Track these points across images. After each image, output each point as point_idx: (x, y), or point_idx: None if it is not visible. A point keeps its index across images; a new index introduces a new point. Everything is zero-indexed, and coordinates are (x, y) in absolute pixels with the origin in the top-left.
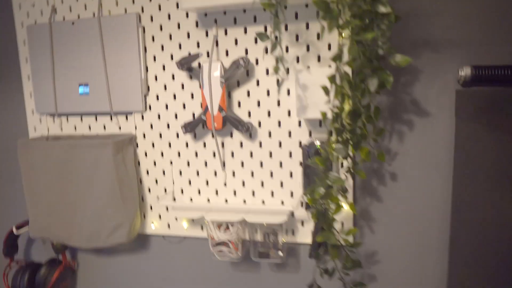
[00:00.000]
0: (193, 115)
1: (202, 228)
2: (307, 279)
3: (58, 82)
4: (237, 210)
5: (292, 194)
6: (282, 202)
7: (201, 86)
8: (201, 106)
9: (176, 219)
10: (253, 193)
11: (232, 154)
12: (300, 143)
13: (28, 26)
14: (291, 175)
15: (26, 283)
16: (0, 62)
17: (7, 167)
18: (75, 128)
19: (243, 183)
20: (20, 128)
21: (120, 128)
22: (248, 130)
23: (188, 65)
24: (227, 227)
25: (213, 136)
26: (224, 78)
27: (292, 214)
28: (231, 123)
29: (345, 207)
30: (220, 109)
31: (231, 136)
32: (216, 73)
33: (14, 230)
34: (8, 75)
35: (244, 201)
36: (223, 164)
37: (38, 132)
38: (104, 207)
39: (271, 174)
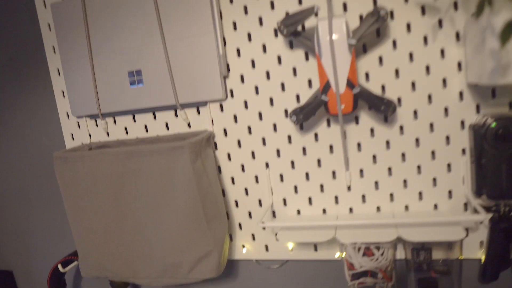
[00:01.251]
0: (297, 97)
1: (315, 248)
2: None
3: (99, 72)
4: (378, 224)
5: (450, 195)
6: (435, 206)
7: (317, 55)
8: (309, 85)
9: (277, 239)
10: (392, 197)
11: (359, 147)
12: (463, 123)
13: (53, 4)
14: (448, 168)
15: None
16: (20, 55)
17: (43, 188)
18: (126, 131)
19: (376, 185)
20: (53, 138)
21: (189, 125)
22: (395, 110)
23: (295, 26)
24: (367, 249)
25: (328, 124)
26: (356, 38)
27: (479, 223)
28: (368, 101)
29: None
30: (349, 83)
31: (356, 122)
32: (340, 33)
33: (60, 268)
34: (31, 71)
35: (378, 209)
36: (347, 161)
37: (77, 141)
38: (183, 233)
39: (418, 169)
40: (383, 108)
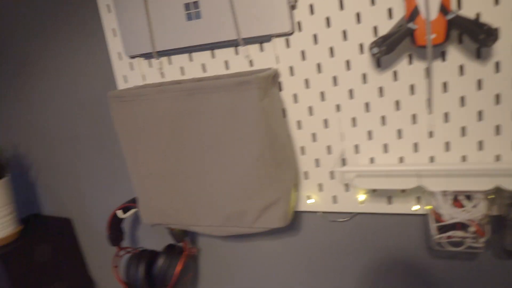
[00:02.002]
0: (374, 30)
1: (389, 200)
2: None
3: (153, 6)
4: (469, 172)
5: None
6: None
7: None
8: (389, 15)
9: (347, 189)
10: (480, 145)
11: (445, 87)
12: None
13: None
14: None
15: (142, 275)
16: None
17: (97, 135)
18: (182, 71)
19: (463, 131)
20: (105, 81)
21: (251, 63)
22: (496, 39)
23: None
24: (455, 200)
25: (410, 60)
26: None
27: None
28: (464, 29)
29: None
30: (443, 8)
31: (443, 57)
32: None
33: (120, 214)
34: (78, 10)
35: (463, 158)
36: (430, 104)
37: (130, 83)
38: (250, 178)
39: None
40: (483, 37)
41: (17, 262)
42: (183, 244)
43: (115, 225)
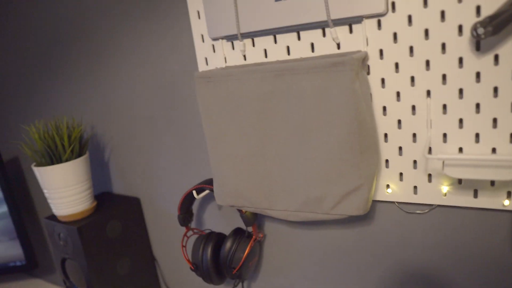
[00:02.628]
0: (477, 9)
1: (475, 193)
2: None
3: None
4: None
5: None
6: None
7: None
8: None
9: (430, 179)
10: None
11: None
12: None
13: None
14: None
15: (210, 257)
16: None
17: (172, 116)
18: (266, 54)
19: None
20: (185, 64)
21: (338, 46)
22: None
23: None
24: None
25: None
26: None
27: None
28: None
29: None
30: None
31: None
32: None
33: (195, 194)
34: None
35: None
36: None
37: (211, 65)
38: (333, 163)
39: None
40: None
41: (92, 236)
42: (252, 228)
43: (186, 205)
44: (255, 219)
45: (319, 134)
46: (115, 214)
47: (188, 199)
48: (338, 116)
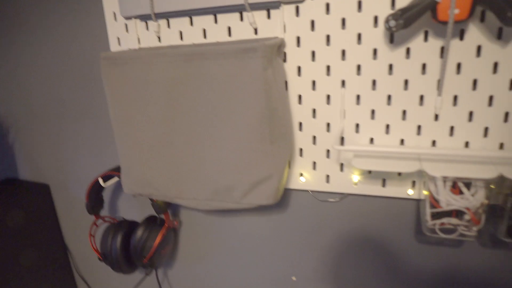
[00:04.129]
0: (392, 2)
1: (383, 183)
2: None
3: None
4: (471, 159)
5: None
6: None
7: None
8: None
9: (342, 169)
10: (486, 132)
11: (458, 68)
12: None
13: None
14: None
15: (119, 246)
16: None
17: (83, 99)
18: (181, 36)
19: (470, 116)
20: (96, 43)
21: (256, 31)
22: None
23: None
24: (453, 187)
25: (425, 37)
26: None
27: None
28: (490, 5)
29: None
30: None
31: (461, 37)
32: None
33: (101, 181)
34: None
35: (466, 144)
36: (441, 85)
37: (124, 46)
38: (243, 152)
39: None
40: (510, 15)
41: None
42: (164, 216)
43: (95, 193)
44: (168, 207)
45: (229, 122)
46: (18, 202)
47: (96, 187)
48: (248, 104)
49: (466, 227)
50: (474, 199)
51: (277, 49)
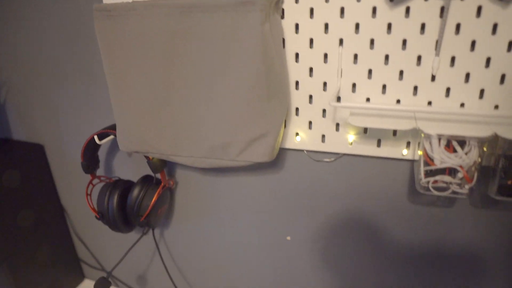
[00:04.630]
0: None
1: (379, 143)
2: None
3: None
4: (465, 118)
5: None
6: None
7: None
8: None
9: (338, 128)
10: (482, 94)
11: (458, 29)
12: None
13: None
14: None
15: (115, 205)
16: None
17: (77, 55)
18: None
19: (467, 77)
20: None
21: None
22: None
23: None
24: (447, 146)
25: None
26: None
27: None
28: None
29: None
30: None
31: None
32: None
33: (96, 139)
34: None
35: (462, 105)
36: (439, 45)
37: None
38: (240, 108)
39: None
40: None
41: None
42: (160, 175)
43: (90, 152)
44: (164, 166)
45: (227, 78)
46: (12, 162)
47: (91, 145)
48: (245, 59)
49: (458, 185)
50: (467, 157)
51: (275, 4)
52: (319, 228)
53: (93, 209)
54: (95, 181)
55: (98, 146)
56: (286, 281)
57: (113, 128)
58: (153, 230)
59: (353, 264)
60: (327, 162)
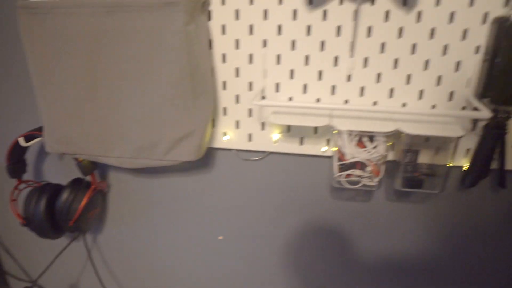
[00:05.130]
0: None
1: (301, 141)
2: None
3: None
4: (375, 116)
5: (451, 96)
6: (433, 107)
7: None
8: None
9: (263, 127)
10: (391, 93)
11: (369, 32)
12: (486, 15)
13: None
14: (457, 66)
15: (43, 210)
16: None
17: (2, 50)
18: None
19: (378, 77)
20: None
21: None
22: None
23: None
24: (359, 142)
25: (341, 0)
26: None
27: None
28: None
29: None
30: None
31: (372, 2)
32: None
33: (22, 141)
34: None
35: (375, 103)
36: (353, 47)
37: None
38: (166, 108)
39: (426, 64)
40: None
41: None
42: (90, 178)
43: (16, 155)
44: (94, 167)
45: (152, 77)
46: None
47: (18, 148)
48: (170, 59)
49: (368, 178)
50: (375, 151)
51: (202, 6)
52: (249, 226)
53: (18, 215)
54: (22, 186)
55: (25, 149)
56: (219, 280)
57: (39, 130)
58: (83, 235)
59: (281, 259)
60: (254, 160)
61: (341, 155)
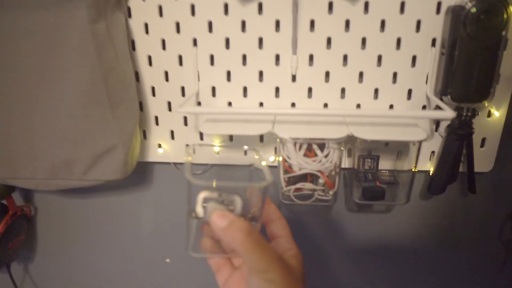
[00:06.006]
0: None
1: (245, 152)
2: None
3: None
4: (326, 120)
5: (410, 95)
6: (391, 107)
7: None
8: None
9: (202, 137)
10: (343, 93)
11: (312, 25)
12: (439, 5)
13: None
14: (413, 61)
15: None
16: None
17: None
18: None
19: (327, 76)
20: None
21: None
22: None
23: None
24: (308, 150)
25: None
26: None
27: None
28: None
29: None
30: None
31: None
32: None
33: None
34: None
35: (325, 106)
36: (295, 43)
37: None
38: (78, 120)
39: (379, 60)
40: None
41: None
42: (6, 202)
43: None
44: (10, 191)
45: (59, 85)
46: None
47: None
48: (77, 63)
49: (322, 191)
50: (326, 161)
51: (116, 2)
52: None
53: None
54: None
55: None
56: None
57: None
58: (7, 266)
59: None
60: (196, 174)
61: (286, 167)
